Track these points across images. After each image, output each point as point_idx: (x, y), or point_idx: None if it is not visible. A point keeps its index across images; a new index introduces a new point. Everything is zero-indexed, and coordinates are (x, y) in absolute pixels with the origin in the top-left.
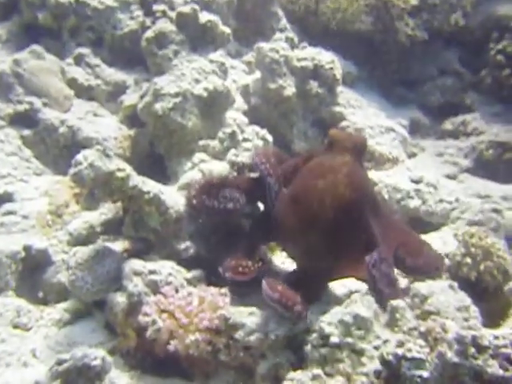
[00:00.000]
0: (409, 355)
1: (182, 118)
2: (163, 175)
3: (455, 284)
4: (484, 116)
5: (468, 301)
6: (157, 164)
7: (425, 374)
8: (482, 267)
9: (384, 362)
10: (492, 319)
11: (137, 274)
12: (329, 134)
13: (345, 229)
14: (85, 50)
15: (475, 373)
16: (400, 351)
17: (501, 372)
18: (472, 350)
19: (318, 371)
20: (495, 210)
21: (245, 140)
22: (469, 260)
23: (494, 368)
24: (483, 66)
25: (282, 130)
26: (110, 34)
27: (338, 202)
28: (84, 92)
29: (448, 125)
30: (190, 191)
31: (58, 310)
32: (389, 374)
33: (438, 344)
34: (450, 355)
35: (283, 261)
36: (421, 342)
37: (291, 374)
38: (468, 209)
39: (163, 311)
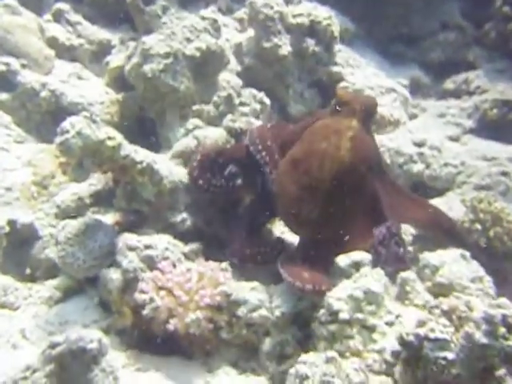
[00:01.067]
0: (432, 336)
1: (173, 81)
2: (155, 141)
3: (467, 253)
4: (488, 73)
5: (482, 271)
6: (147, 130)
7: (450, 355)
8: (491, 233)
9: (404, 342)
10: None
11: (131, 248)
12: (336, 94)
13: (346, 196)
14: (64, 6)
15: (506, 354)
16: (422, 331)
17: None
18: (502, 330)
19: (331, 353)
20: (504, 173)
21: (242, 104)
22: (478, 226)
23: None
24: (487, 19)
25: (278, 91)
26: None
27: (337, 166)
28: (66, 52)
29: (450, 83)
30: (190, 169)
31: (48, 288)
32: (409, 355)
33: (464, 324)
34: (478, 336)
35: (282, 230)
36: (444, 321)
37: (304, 357)
38: (474, 172)
39: (161, 288)
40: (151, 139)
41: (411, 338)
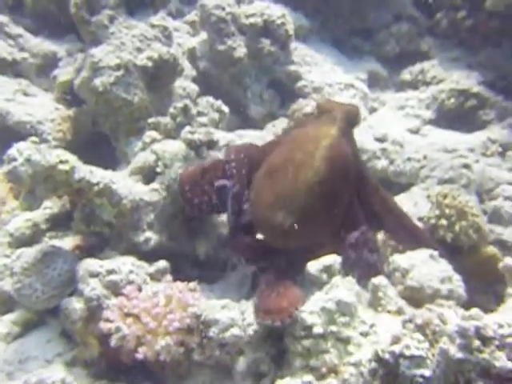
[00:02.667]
0: (407, 353)
1: (126, 93)
2: (111, 157)
3: (435, 253)
4: (442, 62)
5: (450, 270)
6: (103, 145)
7: (426, 372)
8: (457, 228)
9: (380, 359)
10: (470, 279)
11: (93, 275)
12: (317, 104)
13: (320, 205)
14: (2, 18)
15: (482, 368)
16: (397, 348)
17: (510, 365)
18: (476, 342)
19: (307, 378)
20: (465, 166)
21: (199, 114)
22: (444, 222)
23: (501, 361)
24: (439, 8)
25: (236, 94)
26: None
27: (312, 175)
28: (8, 68)
29: (406, 75)
30: (182, 192)
31: (5, 323)
32: (385, 372)
33: (438, 338)
34: (454, 351)
35: None
36: (418, 336)
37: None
38: (437, 166)
39: (127, 315)
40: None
41: (387, 355)
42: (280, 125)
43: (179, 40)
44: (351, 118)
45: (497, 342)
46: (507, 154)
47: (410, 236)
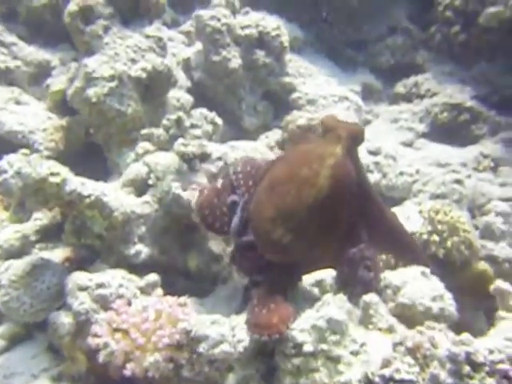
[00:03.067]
0: (397, 377)
1: (120, 105)
2: (103, 167)
3: (427, 270)
4: (436, 76)
5: (441, 288)
6: (96, 155)
7: None
8: (449, 244)
9: (369, 382)
10: (461, 294)
11: (82, 288)
12: (321, 121)
13: (321, 224)
14: None
15: None
16: (387, 372)
17: None
18: (467, 368)
19: None
20: (457, 181)
21: (193, 126)
22: (436, 237)
23: None
24: (433, 21)
25: (230, 105)
26: (24, 5)
27: (315, 194)
28: (1, 76)
29: (400, 87)
30: (204, 216)
31: None
32: None
33: (429, 362)
34: (444, 376)
35: None
36: (409, 359)
37: None
38: (429, 181)
39: (116, 330)
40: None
41: (377, 379)
42: (273, 136)
43: (174, 50)
44: (356, 137)
45: (487, 368)
46: (499, 169)
47: (410, 257)
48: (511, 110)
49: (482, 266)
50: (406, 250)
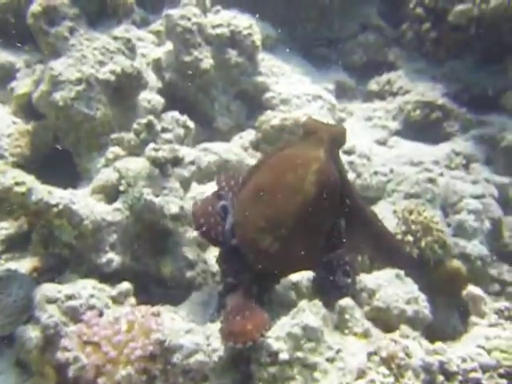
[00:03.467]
0: None
1: (88, 109)
2: (72, 173)
3: (401, 272)
4: (408, 73)
5: (416, 291)
6: (64, 160)
7: None
8: (422, 244)
9: None
10: (435, 293)
11: (51, 301)
12: (302, 124)
13: (308, 230)
14: None
15: None
16: (362, 383)
17: None
18: (440, 378)
19: None
20: (430, 180)
21: (164, 130)
22: (410, 238)
23: None
24: (404, 19)
25: (202, 105)
26: None
27: (302, 200)
28: None
29: (373, 85)
30: (199, 225)
31: None
32: None
33: (403, 372)
34: None
35: (216, 254)
36: (384, 370)
37: None
38: (403, 180)
39: (87, 343)
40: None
41: None
42: (247, 137)
43: (144, 50)
44: (337, 139)
45: (460, 378)
46: (471, 167)
47: (391, 257)
48: (481, 108)
49: (456, 264)
50: (389, 249)
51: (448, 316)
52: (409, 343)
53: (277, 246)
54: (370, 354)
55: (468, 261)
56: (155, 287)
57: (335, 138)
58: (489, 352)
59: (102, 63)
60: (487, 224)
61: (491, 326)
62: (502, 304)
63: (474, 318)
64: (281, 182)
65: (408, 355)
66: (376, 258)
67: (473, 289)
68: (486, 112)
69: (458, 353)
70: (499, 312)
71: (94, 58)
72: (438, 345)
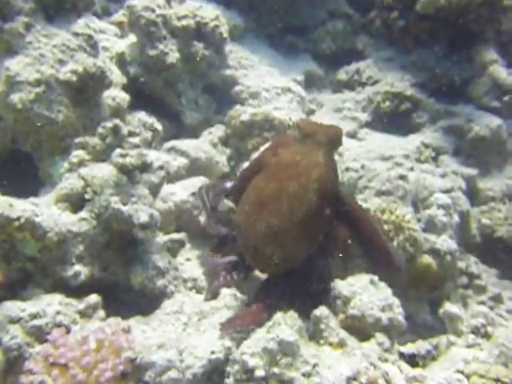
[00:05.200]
0: None
1: (49, 111)
2: (34, 177)
3: (375, 277)
4: (377, 62)
5: (390, 297)
6: (24, 164)
7: None
8: (395, 243)
9: None
10: (405, 289)
11: (13, 321)
12: (298, 126)
13: (310, 236)
14: None
15: None
16: None
17: None
18: None
19: None
20: (401, 177)
21: (131, 134)
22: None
23: None
24: (372, 6)
25: (169, 100)
26: None
27: (306, 208)
28: None
29: (342, 74)
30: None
31: None
32: None
33: None
34: None
35: (187, 257)
36: None
37: None
38: (375, 176)
39: (53, 365)
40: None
41: None
42: (217, 132)
43: (106, 43)
44: (335, 141)
45: None
46: (439, 159)
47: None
48: (449, 97)
49: (426, 260)
50: (380, 247)
51: (419, 310)
52: (388, 368)
53: (281, 254)
54: (349, 380)
55: (438, 256)
56: (125, 298)
57: (332, 140)
58: (468, 377)
59: (62, 62)
60: (456, 217)
61: (469, 346)
62: (479, 321)
63: (450, 337)
64: (284, 191)
65: (388, 382)
66: (366, 255)
67: (449, 307)
68: (454, 101)
69: (437, 379)
70: (476, 330)
71: (54, 57)
72: (418, 371)
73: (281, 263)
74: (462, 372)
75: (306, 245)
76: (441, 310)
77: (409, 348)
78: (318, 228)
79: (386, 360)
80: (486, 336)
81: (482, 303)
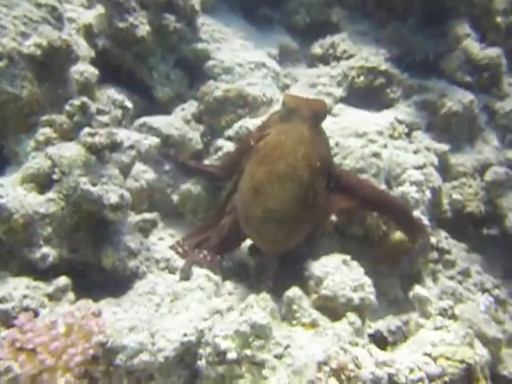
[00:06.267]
0: None
1: (12, 87)
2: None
3: (348, 257)
4: (351, 35)
5: (362, 277)
6: None
7: None
8: (368, 222)
9: None
10: (379, 265)
11: None
12: (283, 101)
13: (307, 209)
14: None
15: None
16: None
17: None
18: None
19: None
20: (375, 155)
21: (99, 112)
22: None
23: None
24: None
25: (140, 74)
26: None
27: (298, 186)
28: None
29: (317, 48)
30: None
31: None
32: None
33: None
34: None
35: (160, 236)
36: (334, 381)
37: None
38: (349, 154)
39: (20, 351)
40: None
41: None
42: (190, 108)
43: (72, 14)
44: (319, 114)
45: None
46: (413, 135)
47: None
48: (423, 71)
49: (398, 236)
50: (394, 206)
51: (390, 285)
52: (358, 352)
53: (284, 233)
54: (319, 364)
55: None
56: (96, 278)
57: (316, 114)
58: (435, 359)
59: (24, 35)
60: (428, 194)
61: (436, 328)
62: (446, 303)
63: (419, 319)
64: (274, 173)
65: (358, 366)
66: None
67: (419, 290)
68: (428, 76)
69: (405, 362)
70: (443, 311)
71: (15, 29)
72: (388, 355)
73: (285, 242)
74: (429, 355)
75: (305, 221)
76: (411, 293)
77: (380, 326)
78: (314, 203)
79: (357, 344)
80: (454, 317)
81: (452, 278)
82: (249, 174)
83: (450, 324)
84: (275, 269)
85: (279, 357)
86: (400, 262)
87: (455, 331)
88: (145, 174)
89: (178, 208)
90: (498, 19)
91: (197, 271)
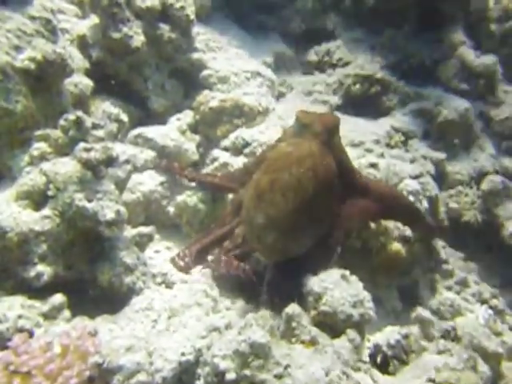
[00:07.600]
0: None
1: (6, 102)
2: None
3: (347, 272)
4: (347, 43)
5: (361, 292)
6: None
7: None
8: (365, 235)
9: None
10: (377, 276)
11: None
12: (296, 117)
13: (309, 220)
14: None
15: None
16: None
17: None
18: None
19: None
20: (372, 165)
21: (95, 127)
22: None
23: None
24: None
25: (135, 85)
26: None
27: (301, 197)
28: None
29: (313, 55)
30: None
31: None
32: None
33: None
34: None
35: (156, 249)
36: None
37: None
38: None
39: (14, 374)
40: None
41: None
42: (185, 119)
43: (66, 25)
44: (332, 129)
45: None
46: (409, 143)
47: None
48: (419, 78)
49: (396, 247)
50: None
51: (388, 296)
52: (360, 378)
53: (282, 241)
54: None
55: (407, 243)
56: (92, 295)
57: (329, 129)
58: None
59: (18, 48)
60: (425, 203)
61: (439, 352)
62: (449, 324)
63: (422, 342)
64: (277, 182)
65: None
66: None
67: (421, 311)
68: (423, 83)
69: None
70: (446, 333)
71: (9, 43)
72: (390, 381)
73: (284, 250)
74: (433, 381)
75: (307, 233)
76: (413, 314)
77: (379, 339)
78: (318, 214)
79: (359, 369)
80: (456, 339)
81: (449, 288)
82: (254, 181)
83: (452, 347)
84: (270, 281)
85: (279, 376)
86: (398, 273)
87: (458, 354)
88: (141, 185)
89: (175, 219)
90: (493, 27)
91: (194, 287)
